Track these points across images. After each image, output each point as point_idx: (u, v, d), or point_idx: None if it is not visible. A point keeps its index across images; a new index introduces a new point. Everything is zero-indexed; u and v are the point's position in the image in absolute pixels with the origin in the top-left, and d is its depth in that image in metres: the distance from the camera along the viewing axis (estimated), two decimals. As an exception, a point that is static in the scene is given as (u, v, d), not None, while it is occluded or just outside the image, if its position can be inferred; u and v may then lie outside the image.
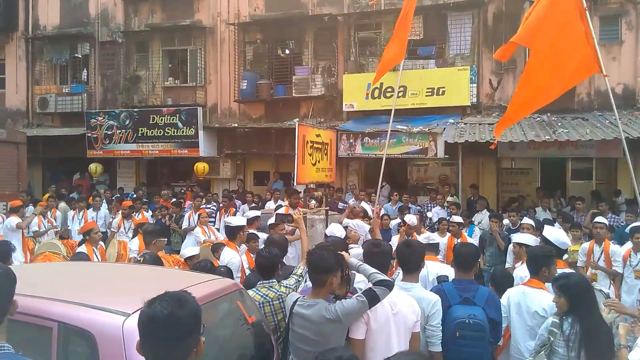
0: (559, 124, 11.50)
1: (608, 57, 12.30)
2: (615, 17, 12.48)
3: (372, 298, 3.02)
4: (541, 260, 4.00)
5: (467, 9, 13.37)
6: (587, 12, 5.59)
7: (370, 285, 3.12)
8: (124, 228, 9.41)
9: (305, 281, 3.93)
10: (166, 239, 6.18)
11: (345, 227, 5.94)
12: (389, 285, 3.10)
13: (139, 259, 4.67)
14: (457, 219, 8.08)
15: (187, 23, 15.72)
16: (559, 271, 4.04)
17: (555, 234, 4.86)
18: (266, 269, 3.99)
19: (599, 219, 7.17)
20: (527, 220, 7.31)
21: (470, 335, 3.42)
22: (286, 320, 3.28)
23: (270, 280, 3.89)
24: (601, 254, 6.66)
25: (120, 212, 9.90)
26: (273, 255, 4.06)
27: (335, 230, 5.17)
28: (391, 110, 7.49)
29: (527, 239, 5.64)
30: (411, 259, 3.58)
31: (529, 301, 3.85)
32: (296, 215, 4.78)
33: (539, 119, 12.11)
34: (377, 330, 3.09)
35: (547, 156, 12.43)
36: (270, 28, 14.99)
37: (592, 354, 3.36)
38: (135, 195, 12.70)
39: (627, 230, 7.02)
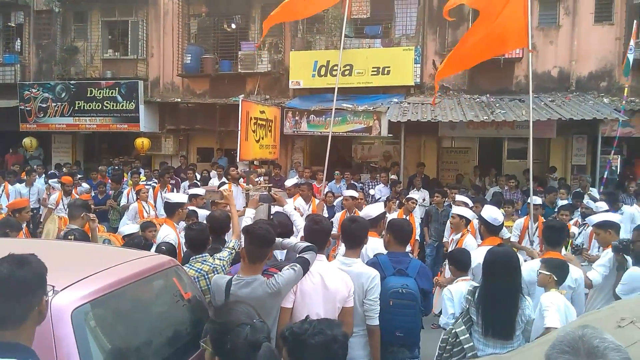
0: (497, 104, 11.87)
1: (545, 40, 12.79)
2: (554, 1, 12.88)
3: (304, 263, 3.15)
4: (562, 233, 4.43)
5: (413, -11, 13.47)
6: None
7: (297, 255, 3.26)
8: (63, 205, 8.94)
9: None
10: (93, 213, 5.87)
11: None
12: (313, 249, 3.25)
13: (69, 236, 4.47)
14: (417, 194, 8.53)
15: (128, -7, 15.06)
16: (490, 247, 4.20)
17: (489, 212, 5.05)
18: (196, 244, 3.98)
19: (533, 199, 7.59)
20: (460, 197, 7.64)
21: (403, 304, 3.52)
22: None
23: (203, 255, 3.88)
24: (536, 229, 7.06)
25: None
26: (202, 229, 4.05)
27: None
28: (337, 88, 7.56)
29: (467, 212, 5.92)
30: (355, 235, 3.62)
31: None
32: (225, 192, 4.74)
33: (478, 99, 12.45)
34: (303, 299, 3.17)
35: (484, 136, 12.83)
36: (216, 1, 14.60)
37: (489, 324, 3.56)
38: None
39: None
